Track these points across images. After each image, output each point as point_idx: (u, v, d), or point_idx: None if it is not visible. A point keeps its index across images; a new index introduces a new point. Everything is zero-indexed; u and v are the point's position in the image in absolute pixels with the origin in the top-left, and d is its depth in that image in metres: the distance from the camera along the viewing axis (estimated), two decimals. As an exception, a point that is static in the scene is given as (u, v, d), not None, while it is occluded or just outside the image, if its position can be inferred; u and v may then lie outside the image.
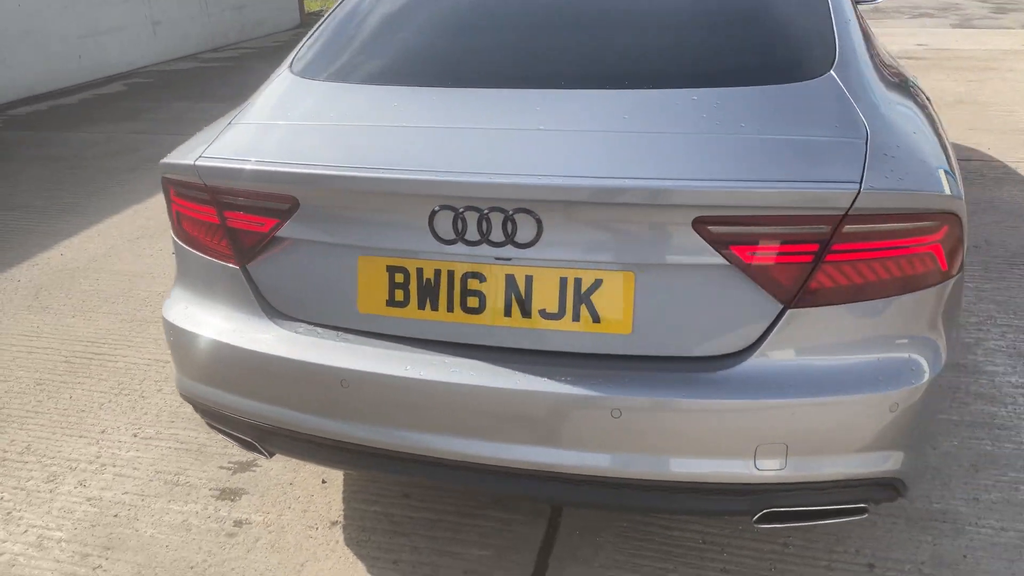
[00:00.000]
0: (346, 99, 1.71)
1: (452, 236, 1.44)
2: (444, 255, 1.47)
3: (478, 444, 1.49)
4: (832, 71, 1.62)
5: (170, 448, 2.33)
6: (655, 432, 1.42)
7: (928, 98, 2.04)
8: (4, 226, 4.11)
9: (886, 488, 1.54)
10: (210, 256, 1.67)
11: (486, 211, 1.41)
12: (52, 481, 2.21)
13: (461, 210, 1.42)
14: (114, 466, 2.27)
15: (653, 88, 1.58)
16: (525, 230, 1.41)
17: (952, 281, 1.50)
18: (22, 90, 7.04)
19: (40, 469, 2.27)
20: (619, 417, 1.41)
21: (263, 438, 1.70)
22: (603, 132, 1.48)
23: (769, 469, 1.44)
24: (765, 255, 1.38)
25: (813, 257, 1.38)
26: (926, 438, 1.59)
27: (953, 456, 2.20)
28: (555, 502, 1.85)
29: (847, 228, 1.37)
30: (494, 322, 1.49)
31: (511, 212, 1.40)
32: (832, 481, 1.47)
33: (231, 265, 1.64)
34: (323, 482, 2.16)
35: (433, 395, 1.48)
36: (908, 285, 1.44)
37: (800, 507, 1.52)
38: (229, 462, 2.26)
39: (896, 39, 8.67)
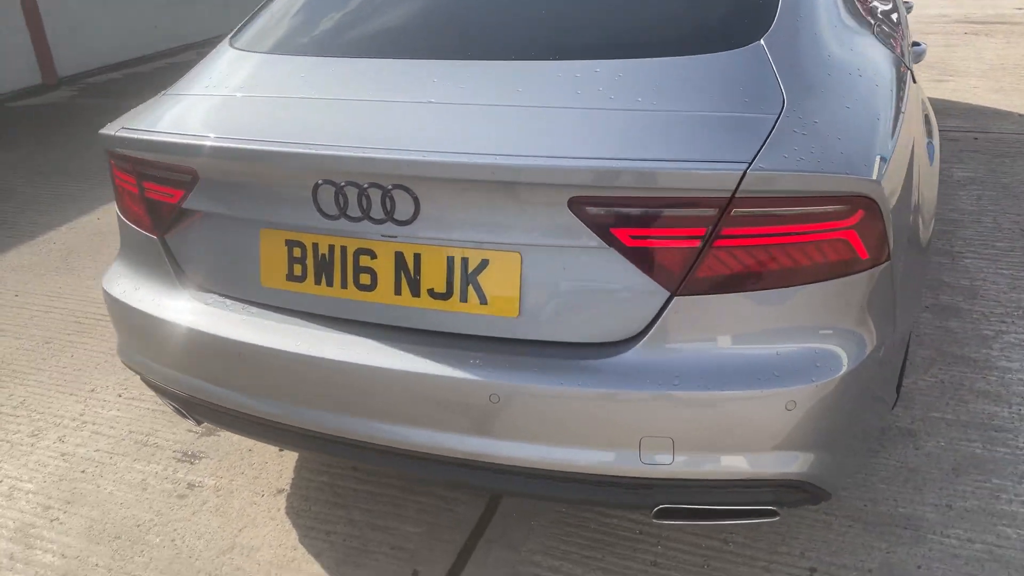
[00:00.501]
0: (261, 71, 1.69)
1: (335, 211, 1.42)
2: (333, 231, 1.45)
3: (367, 423, 1.47)
4: (762, 40, 1.49)
5: (148, 410, 2.42)
6: (533, 419, 1.37)
7: (911, 73, 1.87)
8: (57, 190, 4.34)
9: (796, 491, 1.44)
10: (136, 227, 1.70)
11: (365, 186, 1.38)
12: (35, 436, 2.33)
13: (342, 185, 1.39)
14: (94, 424, 2.37)
15: (558, 59, 1.50)
16: (403, 207, 1.37)
17: (880, 269, 1.37)
18: (106, 57, 7.37)
19: (28, 423, 2.39)
20: (497, 402, 1.36)
21: (187, 407, 1.73)
22: (491, 106, 1.41)
23: (655, 463, 1.36)
24: (648, 239, 1.30)
25: (701, 242, 1.29)
26: (851, 439, 1.47)
27: (935, 457, 2.04)
28: (437, 484, 1.81)
29: (736, 211, 1.27)
30: (385, 300, 1.46)
31: (389, 188, 1.36)
32: (728, 480, 1.38)
33: (151, 236, 1.67)
34: (280, 451, 2.20)
35: (323, 372, 1.46)
36: (816, 274, 1.32)
37: (697, 505, 1.44)
38: (198, 426, 2.33)
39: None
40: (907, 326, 1.60)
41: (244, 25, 1.93)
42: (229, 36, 1.92)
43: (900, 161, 1.46)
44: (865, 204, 1.30)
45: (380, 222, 1.40)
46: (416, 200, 1.36)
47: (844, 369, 1.35)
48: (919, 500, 1.91)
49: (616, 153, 1.27)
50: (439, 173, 1.32)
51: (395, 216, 1.38)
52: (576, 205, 1.29)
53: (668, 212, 1.28)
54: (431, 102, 1.45)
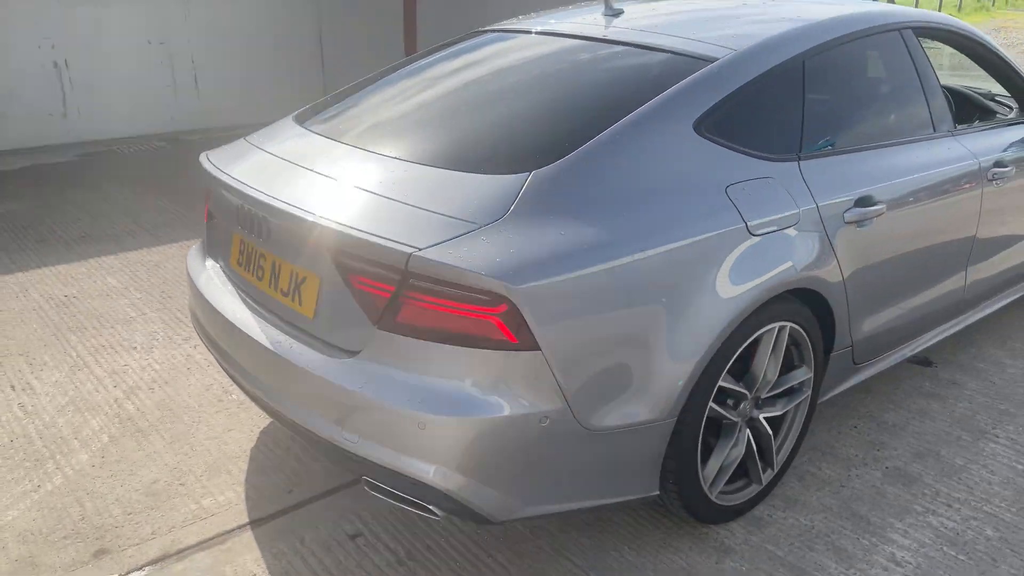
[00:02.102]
0: (282, 137, 2.56)
1: (248, 227, 2.24)
2: (251, 239, 2.27)
3: (247, 375, 2.24)
4: (532, 172, 1.98)
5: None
6: (298, 385, 2.04)
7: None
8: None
9: (448, 501, 1.91)
10: (203, 218, 2.70)
11: (257, 214, 2.18)
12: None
13: (247, 209, 2.21)
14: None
15: (398, 158, 2.14)
16: (263, 231, 2.15)
17: (529, 354, 1.81)
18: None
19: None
20: (290, 371, 2.06)
21: (197, 329, 2.67)
22: (327, 177, 2.12)
23: (346, 440, 1.95)
24: (365, 285, 1.91)
25: (390, 295, 1.87)
26: (513, 483, 1.90)
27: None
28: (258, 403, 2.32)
29: (412, 281, 1.83)
30: (265, 287, 2.24)
31: (261, 217, 2.15)
32: (389, 470, 1.92)
33: (204, 223, 2.65)
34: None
35: (231, 326, 2.27)
36: (469, 341, 1.82)
37: (381, 484, 1.98)
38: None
39: None
40: (624, 415, 1.94)
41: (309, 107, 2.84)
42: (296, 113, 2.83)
43: (576, 289, 1.83)
44: (508, 303, 1.77)
45: (259, 239, 2.19)
46: (270, 228, 2.13)
47: (486, 415, 1.81)
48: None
49: (358, 224, 1.91)
50: (276, 215, 2.07)
51: (262, 237, 2.16)
52: (335, 254, 1.95)
53: (375, 270, 1.88)
54: (308, 168, 2.20)
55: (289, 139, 2.47)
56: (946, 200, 2.82)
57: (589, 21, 2.78)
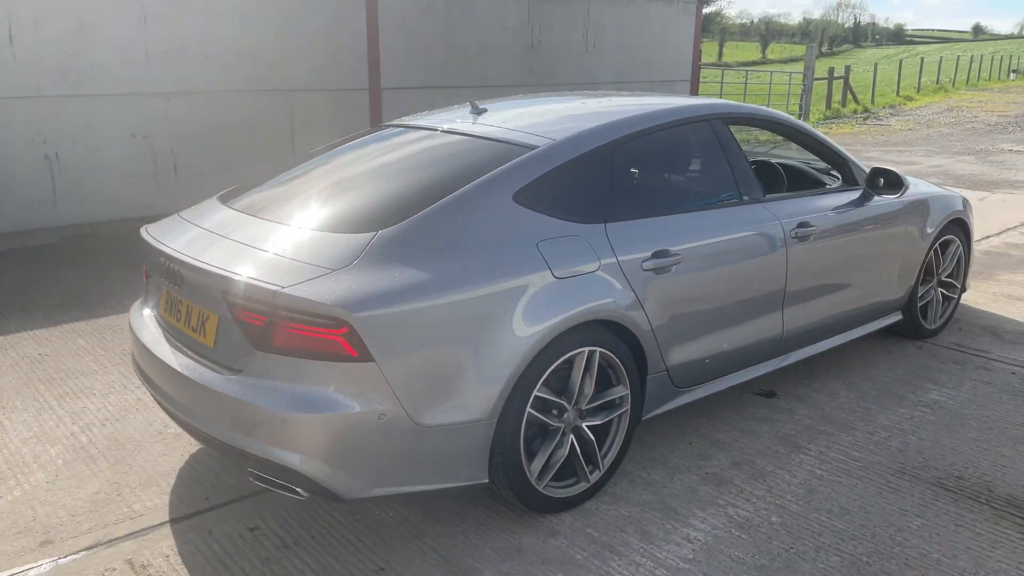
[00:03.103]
0: (204, 211, 3.21)
1: (166, 280, 2.87)
2: (174, 291, 2.90)
3: (167, 396, 2.84)
4: (379, 231, 2.64)
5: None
6: (201, 398, 2.63)
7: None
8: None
9: (309, 483, 2.48)
10: (144, 278, 3.34)
11: (176, 270, 2.81)
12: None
13: (170, 267, 2.85)
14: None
15: (282, 223, 2.80)
16: (181, 282, 2.78)
17: (366, 364, 2.42)
18: None
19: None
20: (196, 389, 2.66)
21: (137, 371, 3.28)
22: (229, 239, 2.77)
23: (232, 438, 2.54)
24: (247, 316, 2.53)
25: (264, 324, 2.49)
26: (358, 467, 2.48)
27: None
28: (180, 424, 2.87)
29: (279, 311, 2.45)
30: (181, 326, 2.86)
31: (179, 272, 2.79)
32: (265, 460, 2.50)
33: (144, 281, 3.29)
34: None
35: (159, 362, 2.87)
36: (328, 356, 2.43)
37: (261, 474, 2.56)
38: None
39: None
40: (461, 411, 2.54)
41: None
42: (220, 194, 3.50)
43: (404, 317, 2.45)
44: (348, 326, 2.39)
45: (178, 287, 2.82)
46: (183, 278, 2.76)
47: (328, 412, 2.41)
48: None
49: (244, 273, 2.54)
50: (183, 268, 2.71)
51: (178, 287, 2.80)
52: (227, 295, 2.58)
53: (253, 305, 2.50)
54: (216, 234, 2.85)
55: (208, 213, 3.13)
56: (747, 254, 3.47)
57: (455, 117, 3.50)
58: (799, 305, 3.78)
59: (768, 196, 3.70)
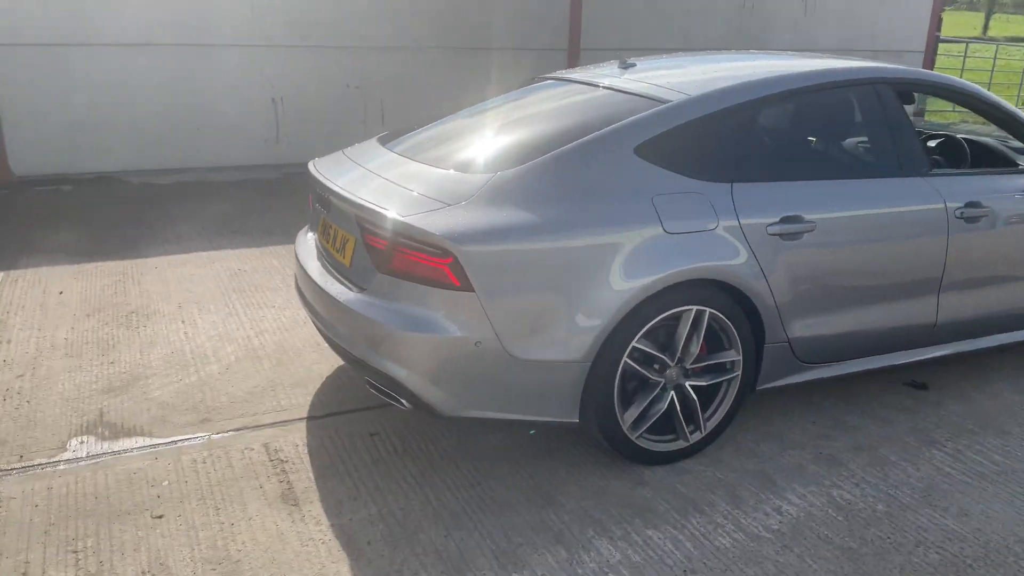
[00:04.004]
0: (362, 150, 3.52)
1: (322, 207, 3.21)
2: (324, 216, 3.25)
3: (313, 309, 3.21)
4: (496, 173, 2.79)
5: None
6: (340, 314, 2.94)
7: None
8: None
9: (412, 396, 2.73)
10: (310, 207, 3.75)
11: (329, 198, 3.14)
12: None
13: (325, 196, 3.18)
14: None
15: (421, 163, 3.02)
16: (331, 209, 3.10)
17: (467, 294, 2.61)
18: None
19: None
20: (331, 303, 2.98)
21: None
22: (374, 174, 3.03)
23: (358, 350, 2.84)
24: (372, 239, 2.79)
25: (385, 247, 2.74)
26: (460, 387, 2.69)
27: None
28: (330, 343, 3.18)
29: (398, 238, 2.69)
30: (329, 247, 3.20)
31: (330, 200, 3.11)
32: (379, 371, 2.77)
33: (311, 210, 3.69)
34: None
35: (309, 280, 3.25)
36: (435, 283, 2.64)
37: (375, 383, 2.83)
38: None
39: None
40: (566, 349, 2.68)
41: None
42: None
43: (508, 255, 2.60)
44: (453, 256, 2.58)
45: (326, 214, 3.16)
46: (334, 207, 3.08)
47: (431, 334, 2.63)
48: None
49: (374, 201, 2.80)
50: (334, 198, 3.02)
51: (327, 214, 3.13)
52: (360, 220, 2.86)
53: (378, 231, 2.76)
54: (366, 169, 3.14)
55: (365, 151, 3.44)
56: (897, 231, 3.25)
57: (604, 72, 3.56)
58: (960, 293, 3.49)
59: (935, 171, 3.43)
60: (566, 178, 2.81)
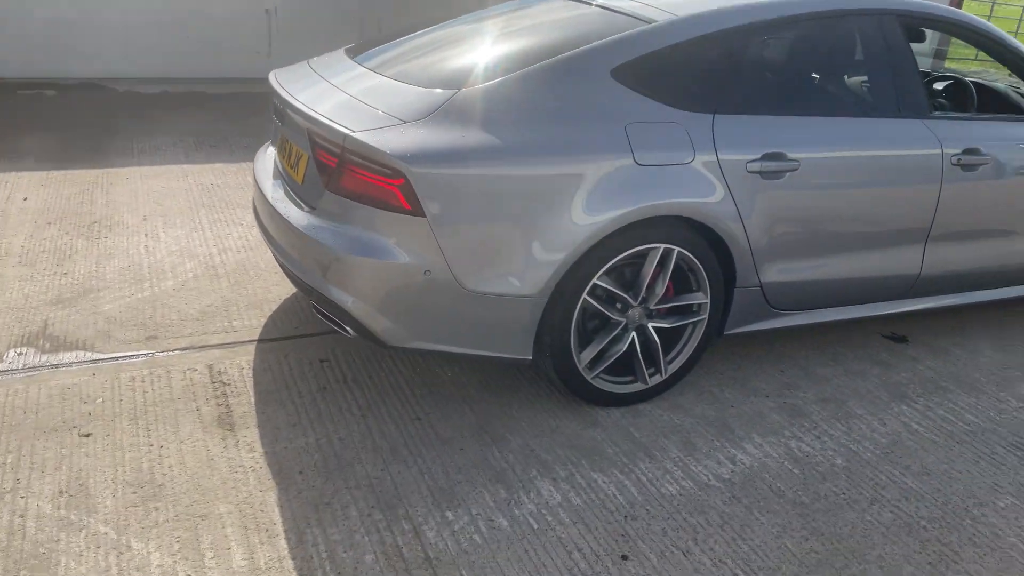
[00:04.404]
0: (328, 62, 3.31)
1: (280, 120, 3.02)
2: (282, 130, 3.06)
3: (264, 223, 3.06)
4: (459, 90, 2.59)
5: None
6: (283, 231, 2.79)
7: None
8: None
9: (357, 324, 2.59)
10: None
11: (285, 111, 2.95)
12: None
13: (282, 108, 2.99)
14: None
15: (382, 75, 2.81)
16: (288, 122, 2.90)
17: (418, 219, 2.44)
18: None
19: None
20: (281, 221, 2.82)
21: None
22: (334, 87, 2.82)
23: (304, 271, 2.69)
24: (322, 158, 2.61)
25: (335, 165, 2.56)
26: (403, 315, 2.55)
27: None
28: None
29: (347, 155, 2.51)
30: (284, 162, 3.03)
31: (286, 112, 2.92)
32: (324, 296, 2.63)
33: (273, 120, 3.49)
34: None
35: (262, 195, 3.08)
36: (384, 205, 2.48)
37: (321, 309, 2.70)
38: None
39: None
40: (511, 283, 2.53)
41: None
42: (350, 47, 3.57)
43: (462, 179, 2.42)
44: (404, 178, 2.41)
45: (285, 130, 2.97)
46: (289, 120, 2.89)
47: (378, 259, 2.48)
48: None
49: (327, 115, 2.61)
50: (293, 111, 2.83)
51: (285, 127, 2.94)
52: (311, 135, 2.68)
53: (328, 146, 2.58)
54: (328, 81, 2.93)
55: (331, 64, 3.20)
56: (887, 175, 3.06)
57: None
58: (948, 245, 3.31)
59: (934, 114, 3.22)
60: (534, 99, 2.62)
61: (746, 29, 2.88)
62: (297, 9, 8.18)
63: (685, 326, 2.94)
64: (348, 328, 2.65)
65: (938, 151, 3.14)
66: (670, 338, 2.95)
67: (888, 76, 3.14)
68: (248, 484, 2.41)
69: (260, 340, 3.22)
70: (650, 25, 2.81)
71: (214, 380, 2.91)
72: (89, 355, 3.02)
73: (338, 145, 2.53)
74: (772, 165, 2.82)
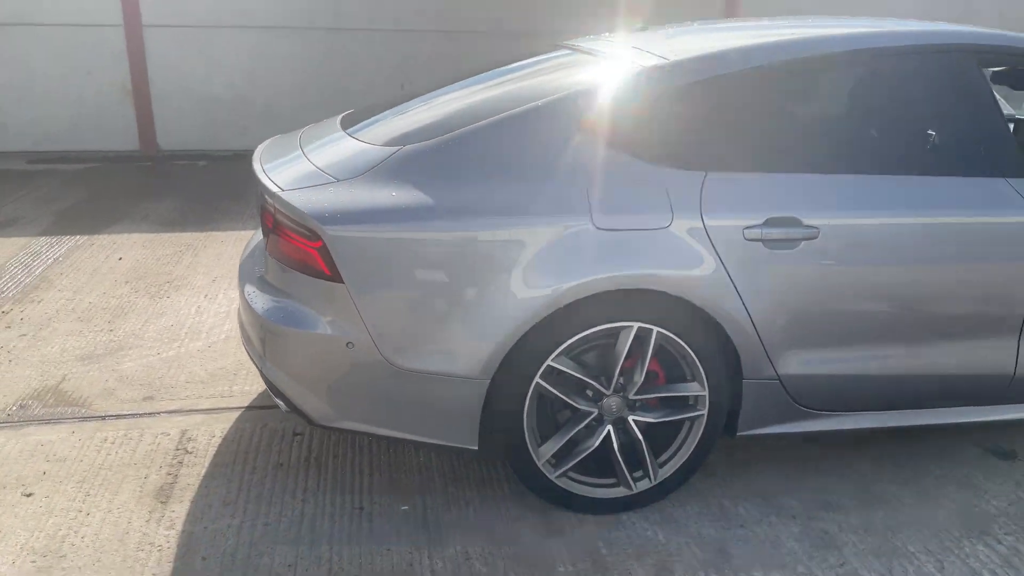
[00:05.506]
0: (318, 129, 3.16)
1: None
2: None
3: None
4: (400, 148, 2.35)
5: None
6: (242, 306, 2.65)
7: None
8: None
9: (287, 400, 2.38)
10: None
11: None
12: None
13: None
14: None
15: (349, 136, 2.61)
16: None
17: (337, 285, 2.22)
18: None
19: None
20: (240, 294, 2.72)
21: None
22: (302, 153, 2.66)
23: (248, 341, 2.54)
24: (266, 219, 2.44)
25: (272, 226, 2.40)
26: (327, 391, 2.31)
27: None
28: None
29: (278, 216, 2.34)
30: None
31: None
32: (258, 366, 2.45)
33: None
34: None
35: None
36: (308, 270, 2.28)
37: (267, 380, 2.51)
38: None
39: None
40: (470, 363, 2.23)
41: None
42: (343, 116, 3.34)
43: (387, 243, 2.17)
44: (321, 240, 2.20)
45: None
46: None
47: (308, 330, 2.26)
48: (470, 546, 2.34)
49: (271, 175, 2.46)
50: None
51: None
52: (260, 196, 2.53)
53: (266, 205, 2.41)
54: (302, 147, 2.79)
55: (317, 130, 2.91)
56: (953, 246, 2.43)
57: (610, 39, 2.98)
58: (1056, 339, 2.58)
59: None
60: (485, 155, 2.33)
61: (750, 73, 2.42)
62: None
63: (681, 422, 2.45)
64: (281, 402, 2.45)
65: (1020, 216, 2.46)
66: (665, 436, 2.47)
67: (956, 127, 2.53)
68: (147, 565, 2.23)
69: (248, 407, 3.09)
70: (635, 72, 2.44)
71: (179, 447, 2.80)
72: (82, 412, 3.03)
73: (272, 205, 2.37)
74: (779, 232, 2.32)
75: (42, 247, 4.97)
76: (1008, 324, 2.53)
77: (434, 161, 2.32)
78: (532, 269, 2.21)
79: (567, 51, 2.96)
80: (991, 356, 2.56)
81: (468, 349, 2.24)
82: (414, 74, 8.30)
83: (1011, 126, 3.85)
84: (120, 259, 4.81)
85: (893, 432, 2.82)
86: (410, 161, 2.32)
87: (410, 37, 8.26)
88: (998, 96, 2.65)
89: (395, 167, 2.31)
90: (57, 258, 4.78)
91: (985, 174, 2.51)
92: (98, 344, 3.62)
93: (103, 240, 5.16)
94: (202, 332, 3.77)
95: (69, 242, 5.09)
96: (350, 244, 2.19)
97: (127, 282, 4.42)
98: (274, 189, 2.34)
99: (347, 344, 2.25)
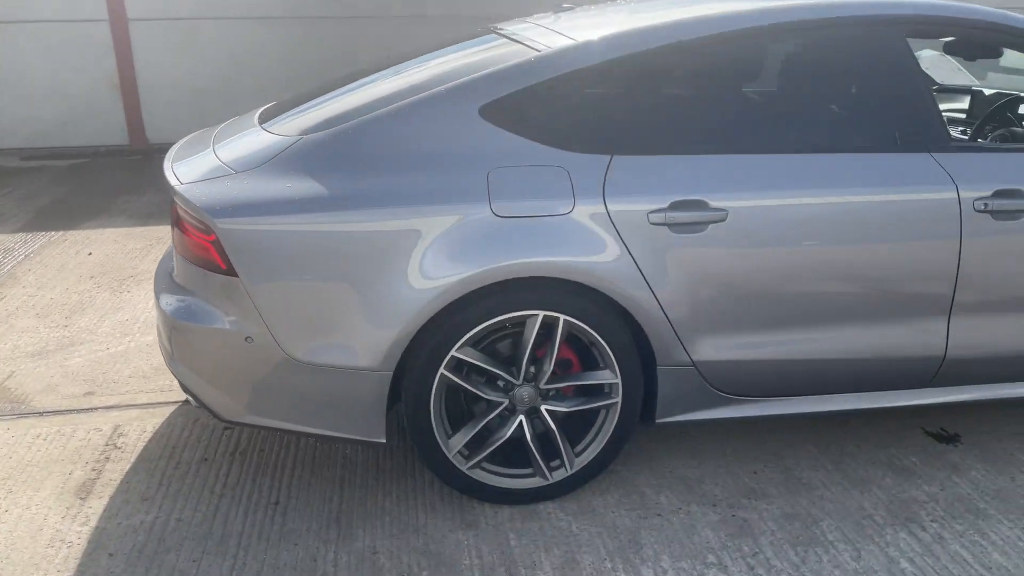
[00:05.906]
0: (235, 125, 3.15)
1: None
2: None
3: None
4: (302, 137, 2.31)
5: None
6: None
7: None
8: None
9: (194, 396, 2.38)
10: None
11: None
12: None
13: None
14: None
15: (258, 127, 2.59)
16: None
17: (232, 279, 2.19)
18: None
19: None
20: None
21: None
22: (211, 147, 2.64)
23: (161, 340, 2.53)
24: (172, 211, 2.43)
25: (176, 221, 2.38)
26: (227, 386, 2.30)
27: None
28: None
29: (179, 210, 2.32)
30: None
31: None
32: (169, 365, 2.45)
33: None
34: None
35: None
36: (206, 264, 2.26)
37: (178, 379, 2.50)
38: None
39: None
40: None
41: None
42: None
43: (282, 235, 2.14)
44: (214, 233, 2.18)
45: None
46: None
47: (206, 325, 2.25)
48: (379, 539, 2.32)
49: (176, 169, 2.44)
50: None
51: None
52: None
53: (173, 200, 2.39)
54: (214, 140, 2.77)
55: (234, 124, 2.90)
56: (873, 227, 2.36)
57: (533, 21, 2.91)
58: (985, 317, 2.49)
59: (954, 144, 2.46)
60: (383, 144, 2.28)
61: (653, 53, 2.35)
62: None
63: (597, 410, 2.41)
64: (190, 399, 2.44)
65: (953, 193, 2.37)
66: (583, 424, 2.43)
67: (877, 101, 2.44)
68: (54, 562, 2.24)
69: (184, 402, 3.09)
70: (534, 55, 2.38)
71: (108, 443, 2.81)
72: (20, 408, 3.05)
73: (172, 197, 2.35)
74: (684, 216, 2.25)
75: (15, 244, 5.01)
76: (938, 306, 2.45)
77: (331, 151, 2.28)
78: (429, 259, 2.17)
79: (492, 36, 2.90)
80: (919, 339, 2.48)
81: (367, 341, 2.21)
82: (399, 60, 8.24)
83: (968, 99, 3.74)
84: (90, 254, 4.83)
85: (829, 417, 2.75)
86: (307, 152, 2.28)
87: (403, 23, 8.20)
88: (925, 68, 2.55)
89: (292, 158, 2.27)
90: (28, 255, 4.81)
91: (909, 150, 2.42)
92: (51, 340, 3.64)
93: (76, 236, 5.18)
94: (154, 326, 3.78)
95: (44, 238, 5.12)
96: (242, 237, 2.16)
97: (92, 277, 4.44)
98: (173, 183, 2.32)
99: (246, 339, 2.23)
